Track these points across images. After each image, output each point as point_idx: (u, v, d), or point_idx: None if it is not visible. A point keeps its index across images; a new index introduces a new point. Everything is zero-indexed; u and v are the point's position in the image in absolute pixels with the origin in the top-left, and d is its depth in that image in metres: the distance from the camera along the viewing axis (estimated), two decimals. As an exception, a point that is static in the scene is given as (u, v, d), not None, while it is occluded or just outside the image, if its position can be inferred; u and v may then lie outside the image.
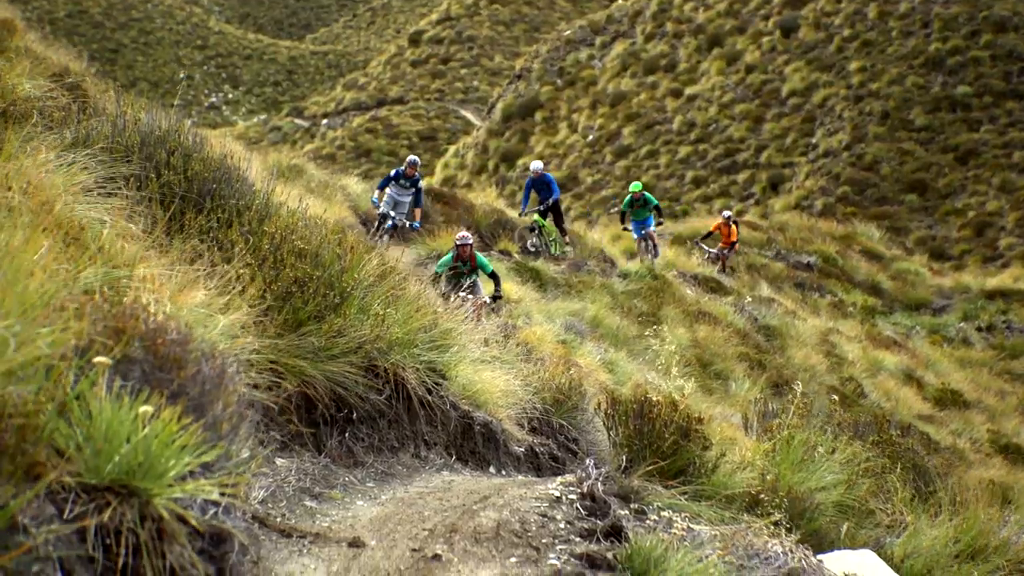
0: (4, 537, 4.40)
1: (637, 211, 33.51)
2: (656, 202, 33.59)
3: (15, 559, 4.30)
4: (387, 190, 29.30)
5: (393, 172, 29.43)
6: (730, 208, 67.26)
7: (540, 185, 32.40)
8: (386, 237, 28.39)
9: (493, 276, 22.41)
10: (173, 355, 6.42)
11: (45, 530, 4.61)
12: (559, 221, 33.87)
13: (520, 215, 34.01)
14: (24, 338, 4.92)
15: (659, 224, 34.61)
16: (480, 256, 22.46)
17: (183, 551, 5.52)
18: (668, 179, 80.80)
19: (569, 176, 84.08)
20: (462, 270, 22.20)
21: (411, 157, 29.56)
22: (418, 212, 29.31)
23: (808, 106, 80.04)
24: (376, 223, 29.33)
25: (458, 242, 22.40)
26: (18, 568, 4.41)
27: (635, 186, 33.50)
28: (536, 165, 32.27)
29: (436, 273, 20.83)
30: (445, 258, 22.46)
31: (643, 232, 35.40)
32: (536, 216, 33.05)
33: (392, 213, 28.93)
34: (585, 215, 73.05)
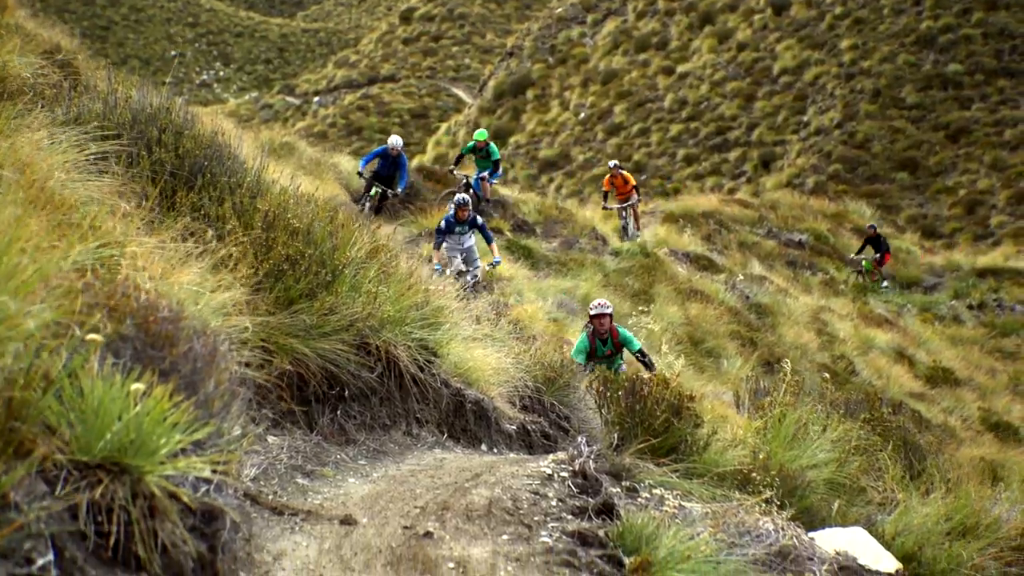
0: (-5, 514, 4.40)
1: (479, 160, 32.19)
2: (498, 156, 32.06)
3: (7, 536, 4.30)
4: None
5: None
6: (720, 186, 67.24)
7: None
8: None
9: (642, 357, 16.10)
10: (165, 333, 6.41)
11: (37, 507, 4.61)
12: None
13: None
14: (15, 315, 4.91)
15: (496, 177, 32.72)
16: (623, 330, 16.47)
17: (175, 528, 5.52)
18: (660, 157, 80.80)
19: (561, 154, 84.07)
20: (603, 352, 16.45)
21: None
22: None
23: (799, 84, 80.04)
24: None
25: (592, 312, 16.41)
26: (10, 545, 4.41)
27: (480, 134, 31.87)
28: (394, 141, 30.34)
29: (576, 362, 15.11)
30: (579, 342, 16.52)
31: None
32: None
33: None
34: (577, 193, 72.98)
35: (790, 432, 10.41)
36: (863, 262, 35.55)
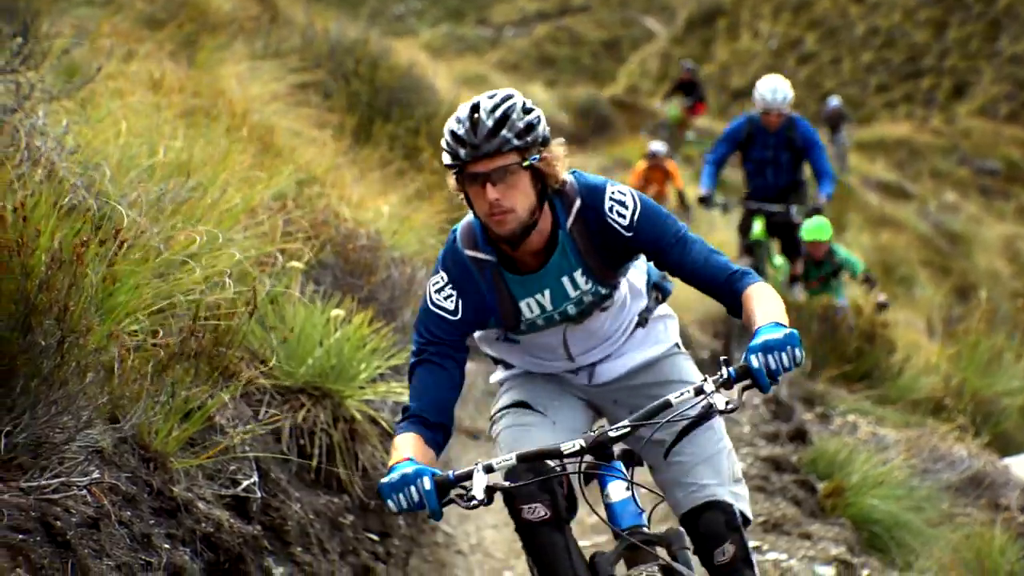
0: (202, 436, 4.52)
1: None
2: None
3: (213, 458, 4.42)
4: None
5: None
6: (913, 114, 65.47)
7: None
8: None
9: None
10: (364, 261, 6.53)
11: (241, 430, 4.72)
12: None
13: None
14: (220, 244, 5.02)
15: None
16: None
17: (375, 452, 5.63)
18: (851, 86, 78.94)
19: (751, 84, 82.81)
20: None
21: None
22: None
23: (992, 12, 77.28)
24: None
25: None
26: (216, 467, 4.53)
27: None
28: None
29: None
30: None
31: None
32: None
33: None
34: (770, 122, 71.75)
35: (984, 359, 10.18)
36: (669, 110, 30.79)
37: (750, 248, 10.65)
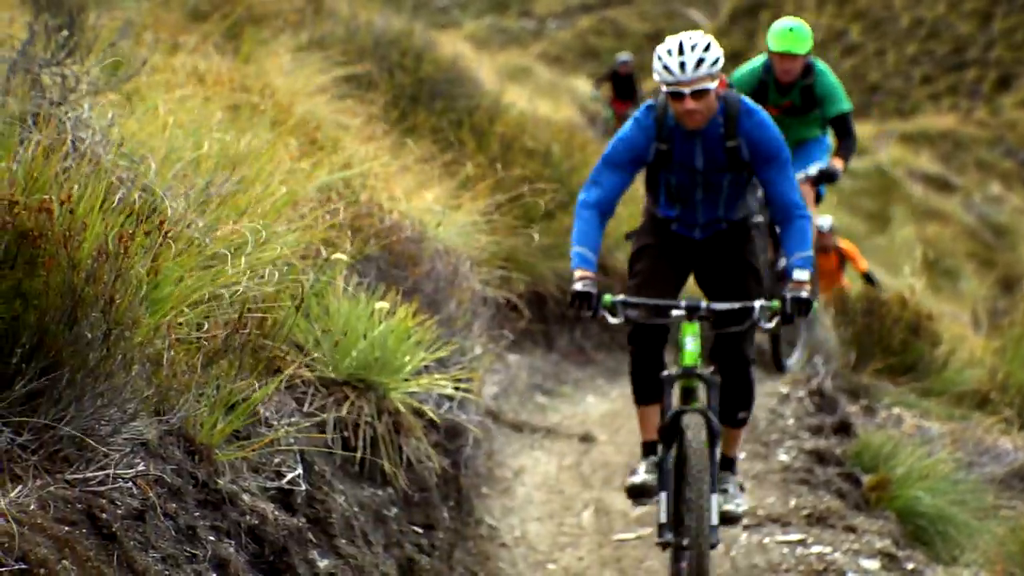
0: (247, 429, 4.53)
1: None
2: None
3: (259, 450, 4.43)
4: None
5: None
6: (957, 106, 65.03)
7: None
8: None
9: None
10: (408, 253, 6.54)
11: (286, 423, 4.73)
12: None
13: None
14: (265, 237, 5.03)
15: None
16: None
17: (419, 444, 5.63)
18: (896, 77, 78.50)
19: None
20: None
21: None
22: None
23: (1039, 3, 76.50)
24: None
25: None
26: (261, 459, 4.54)
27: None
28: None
29: None
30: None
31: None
32: None
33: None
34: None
35: (1030, 352, 10.11)
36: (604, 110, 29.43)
37: None
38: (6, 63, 5.11)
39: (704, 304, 5.52)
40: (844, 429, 7.94)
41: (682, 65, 5.37)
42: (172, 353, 4.11)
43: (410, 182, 7.82)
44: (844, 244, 13.92)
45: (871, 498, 7.10)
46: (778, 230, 6.19)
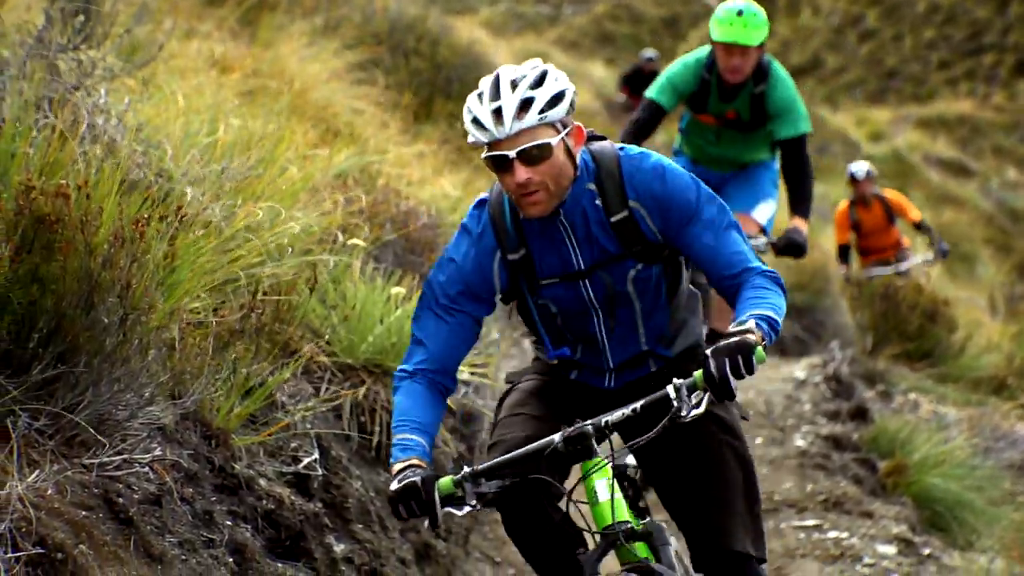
0: (264, 413, 4.54)
1: None
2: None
3: (275, 435, 4.44)
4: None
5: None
6: (975, 91, 64.77)
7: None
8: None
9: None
10: (424, 239, 6.53)
11: (302, 407, 4.74)
12: None
13: None
14: (281, 222, 5.03)
15: None
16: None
17: (435, 429, 5.62)
18: (913, 62, 78.17)
19: (812, 60, 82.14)
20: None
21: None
22: None
23: (1059, -14, 76.19)
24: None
25: None
26: (277, 444, 4.55)
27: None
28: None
29: None
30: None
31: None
32: None
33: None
34: (828, 99, 71.28)
35: (1047, 337, 10.13)
36: None
37: None
38: (23, 48, 5.11)
39: (590, 423, 3.41)
40: (861, 415, 7.95)
41: (497, 113, 3.39)
42: (188, 337, 4.12)
43: (427, 168, 7.81)
44: (889, 193, 12.70)
45: (887, 484, 7.10)
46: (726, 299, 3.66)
